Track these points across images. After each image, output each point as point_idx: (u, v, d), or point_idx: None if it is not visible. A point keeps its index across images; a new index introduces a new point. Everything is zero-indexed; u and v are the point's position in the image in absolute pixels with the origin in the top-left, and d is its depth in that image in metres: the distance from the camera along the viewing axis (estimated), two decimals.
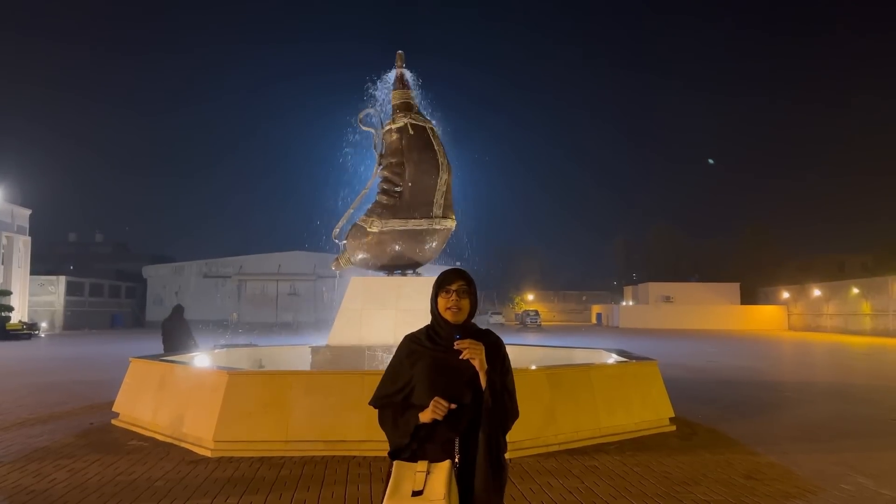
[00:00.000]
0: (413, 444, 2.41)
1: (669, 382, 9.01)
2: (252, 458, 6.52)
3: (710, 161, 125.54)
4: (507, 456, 7.04)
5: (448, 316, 2.51)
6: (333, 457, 6.45)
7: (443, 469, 2.31)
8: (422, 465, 2.35)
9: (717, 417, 9.17)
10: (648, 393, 8.28)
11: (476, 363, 2.40)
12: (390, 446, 2.49)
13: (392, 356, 2.61)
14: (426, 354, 2.49)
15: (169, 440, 7.33)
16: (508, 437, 7.35)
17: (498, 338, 2.61)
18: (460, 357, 2.41)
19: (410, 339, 2.59)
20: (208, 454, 6.69)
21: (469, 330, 2.53)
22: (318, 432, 6.66)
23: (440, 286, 2.55)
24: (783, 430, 8.39)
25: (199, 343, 13.39)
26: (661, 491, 5.51)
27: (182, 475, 5.97)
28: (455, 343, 2.42)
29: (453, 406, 2.37)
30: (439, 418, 2.35)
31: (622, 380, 8.25)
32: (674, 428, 8.15)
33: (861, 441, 7.73)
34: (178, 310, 13.50)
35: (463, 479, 2.34)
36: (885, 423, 9.02)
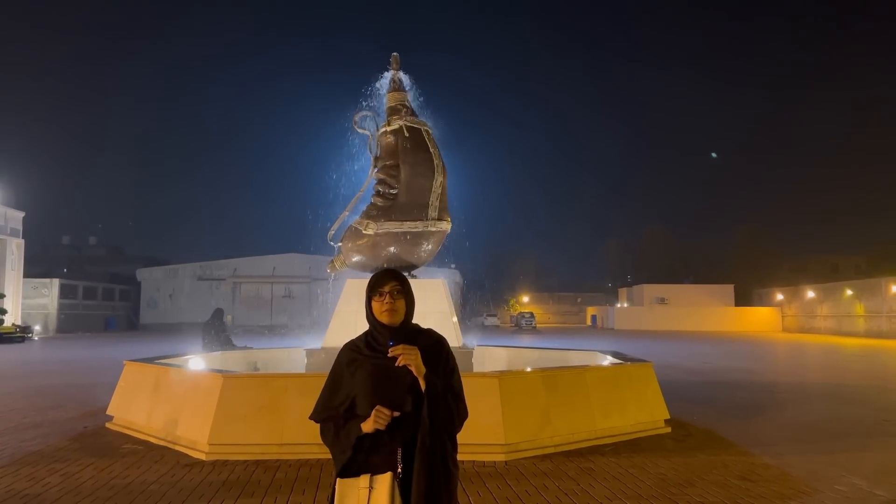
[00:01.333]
0: (359, 456, 2.33)
1: (664, 384, 9.02)
2: (247, 461, 6.50)
3: (713, 154, 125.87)
4: (503, 458, 6.99)
5: (384, 319, 2.42)
6: (328, 460, 6.39)
7: (385, 482, 2.25)
8: (364, 481, 2.28)
9: (711, 419, 9.19)
10: (643, 394, 8.29)
11: (412, 368, 2.32)
12: (335, 463, 2.40)
13: (332, 366, 2.52)
14: (366, 362, 2.41)
15: (163, 443, 7.30)
16: (506, 439, 7.32)
17: (440, 337, 2.52)
18: (396, 364, 2.33)
19: (349, 348, 2.50)
20: (203, 457, 6.67)
21: (408, 331, 2.45)
22: (314, 435, 6.47)
23: (372, 289, 2.46)
24: (778, 432, 8.42)
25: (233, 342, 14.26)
26: (657, 492, 5.52)
27: (177, 478, 5.95)
28: (389, 350, 2.34)
29: (396, 414, 2.29)
30: (381, 427, 2.28)
31: (617, 382, 8.26)
32: (669, 429, 8.17)
33: (855, 442, 7.77)
34: (218, 313, 15.31)
35: (408, 489, 2.26)
36: (879, 424, 9.06)
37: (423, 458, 2.27)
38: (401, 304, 2.44)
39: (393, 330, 2.42)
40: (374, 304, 2.45)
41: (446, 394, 2.38)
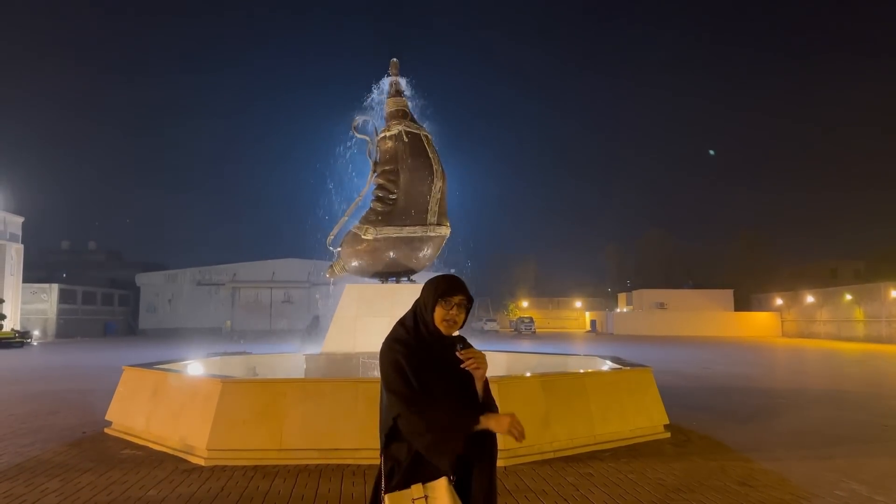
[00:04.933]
0: (414, 464, 2.23)
1: (664, 389, 9.03)
2: (246, 466, 6.49)
3: (711, 152, 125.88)
4: (502, 463, 7.02)
5: (443, 328, 2.40)
6: (327, 465, 6.43)
7: (441, 489, 2.18)
8: (417, 491, 2.19)
9: (711, 424, 9.18)
10: (643, 400, 8.29)
11: (478, 374, 2.34)
12: (427, 451, 2.19)
13: (388, 363, 2.38)
14: (426, 359, 2.35)
15: (162, 449, 7.29)
16: (505, 444, 7.35)
17: (473, 347, 2.54)
18: (462, 367, 2.32)
19: (400, 343, 2.40)
20: (202, 463, 6.66)
21: (458, 339, 2.48)
22: (312, 440, 6.64)
23: (442, 295, 2.42)
24: (777, 437, 8.41)
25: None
26: (656, 498, 5.52)
27: (175, 484, 5.95)
28: (458, 353, 2.34)
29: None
30: (517, 438, 2.19)
31: (617, 387, 8.26)
32: (668, 435, 8.16)
33: (854, 447, 7.76)
34: (315, 321, 18.83)
35: (463, 495, 2.23)
36: (878, 430, 9.05)
37: (486, 463, 2.28)
38: (462, 318, 2.46)
39: (445, 338, 2.43)
40: (439, 311, 2.41)
41: (492, 399, 2.42)
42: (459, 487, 2.25)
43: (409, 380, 2.30)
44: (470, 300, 2.46)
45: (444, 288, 2.44)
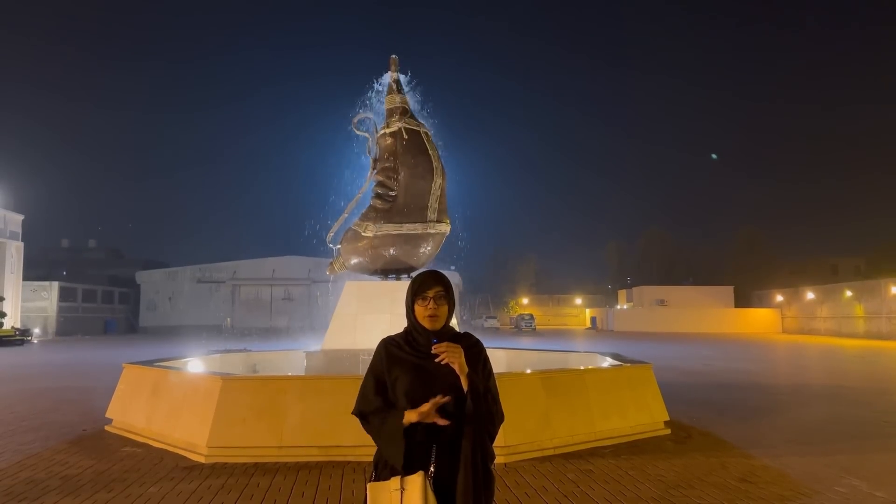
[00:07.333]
0: (415, 450, 2.28)
1: (664, 386, 9.03)
2: (246, 464, 6.49)
3: (714, 156, 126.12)
4: (503, 460, 6.97)
5: (426, 324, 2.41)
6: (328, 462, 6.44)
7: (416, 482, 2.21)
8: (395, 483, 2.24)
9: (711, 420, 9.19)
10: (643, 396, 8.29)
11: (455, 367, 2.31)
12: (389, 459, 2.32)
13: (370, 363, 2.51)
14: (406, 361, 2.41)
15: (162, 446, 7.29)
16: (505, 441, 7.31)
17: (478, 340, 2.53)
18: (437, 361, 2.32)
19: (389, 343, 2.49)
20: (202, 460, 6.66)
21: (446, 334, 2.45)
22: (313, 438, 6.64)
23: (416, 293, 2.45)
24: (777, 433, 8.42)
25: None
26: (656, 494, 5.52)
27: (176, 482, 5.95)
28: (432, 348, 2.33)
29: (443, 400, 2.26)
30: (424, 419, 2.25)
31: (617, 383, 8.26)
32: (668, 431, 8.16)
33: (855, 443, 7.77)
34: None
35: (443, 490, 2.24)
36: (879, 426, 9.05)
37: (465, 457, 2.26)
38: (444, 309, 2.44)
39: (434, 333, 2.43)
40: (418, 308, 2.44)
41: (486, 394, 2.38)
42: (442, 483, 2.25)
43: (371, 383, 2.44)
44: (448, 290, 2.46)
45: (418, 284, 2.47)
